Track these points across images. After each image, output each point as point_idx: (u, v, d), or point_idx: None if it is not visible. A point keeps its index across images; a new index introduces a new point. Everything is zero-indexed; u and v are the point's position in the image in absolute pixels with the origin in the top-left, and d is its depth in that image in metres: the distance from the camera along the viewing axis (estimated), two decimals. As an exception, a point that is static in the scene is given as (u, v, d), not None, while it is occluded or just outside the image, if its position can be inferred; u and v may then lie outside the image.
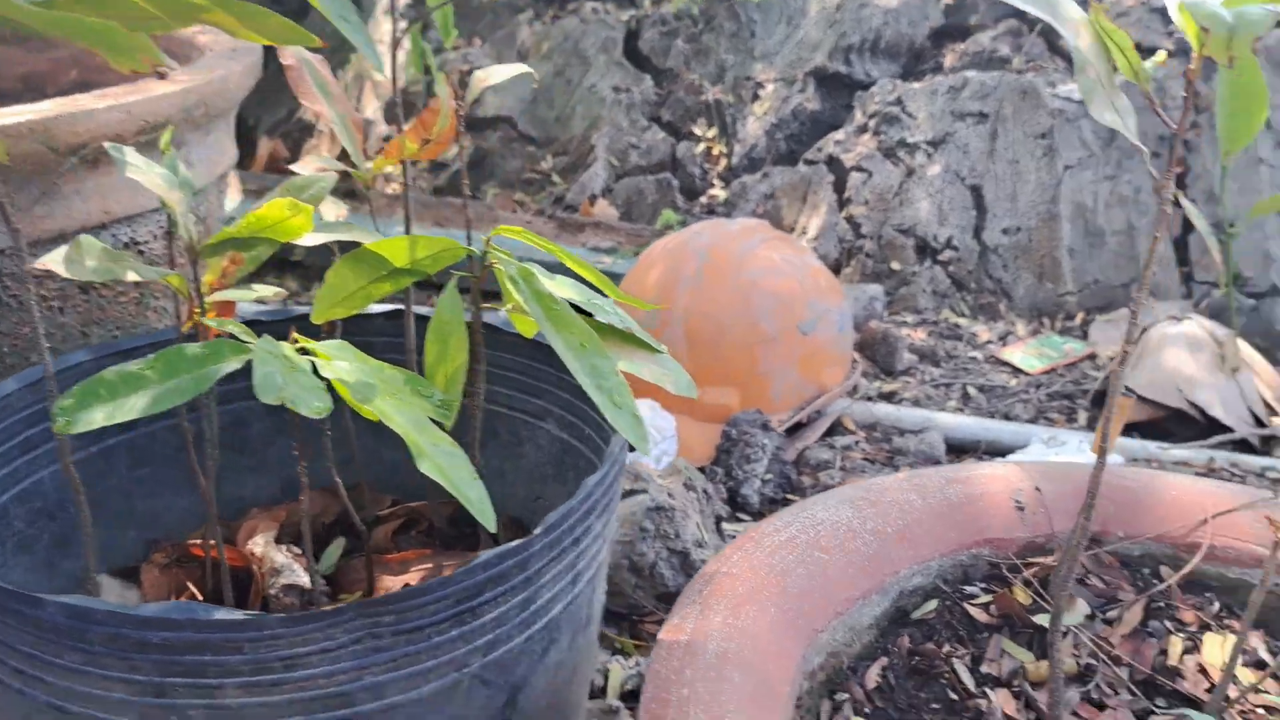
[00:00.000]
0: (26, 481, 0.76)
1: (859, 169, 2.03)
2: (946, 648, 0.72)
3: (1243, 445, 1.41)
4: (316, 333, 0.84)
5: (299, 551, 0.83)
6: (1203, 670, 0.72)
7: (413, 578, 0.80)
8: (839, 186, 2.05)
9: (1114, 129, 0.52)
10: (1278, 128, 1.88)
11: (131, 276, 0.63)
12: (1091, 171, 1.92)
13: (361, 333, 0.85)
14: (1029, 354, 1.73)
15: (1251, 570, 0.77)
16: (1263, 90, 1.36)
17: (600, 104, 2.34)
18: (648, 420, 1.34)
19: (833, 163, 2.08)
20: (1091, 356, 1.73)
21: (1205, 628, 0.75)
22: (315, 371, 0.54)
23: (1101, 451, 0.59)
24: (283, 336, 0.58)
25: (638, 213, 2.19)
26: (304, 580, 0.80)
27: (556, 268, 0.66)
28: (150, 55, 0.59)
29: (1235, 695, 0.68)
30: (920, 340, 1.74)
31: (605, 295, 0.67)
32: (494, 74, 0.68)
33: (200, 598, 0.81)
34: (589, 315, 0.65)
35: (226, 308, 0.73)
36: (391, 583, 0.80)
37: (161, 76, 0.93)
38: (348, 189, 2.18)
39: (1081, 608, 0.75)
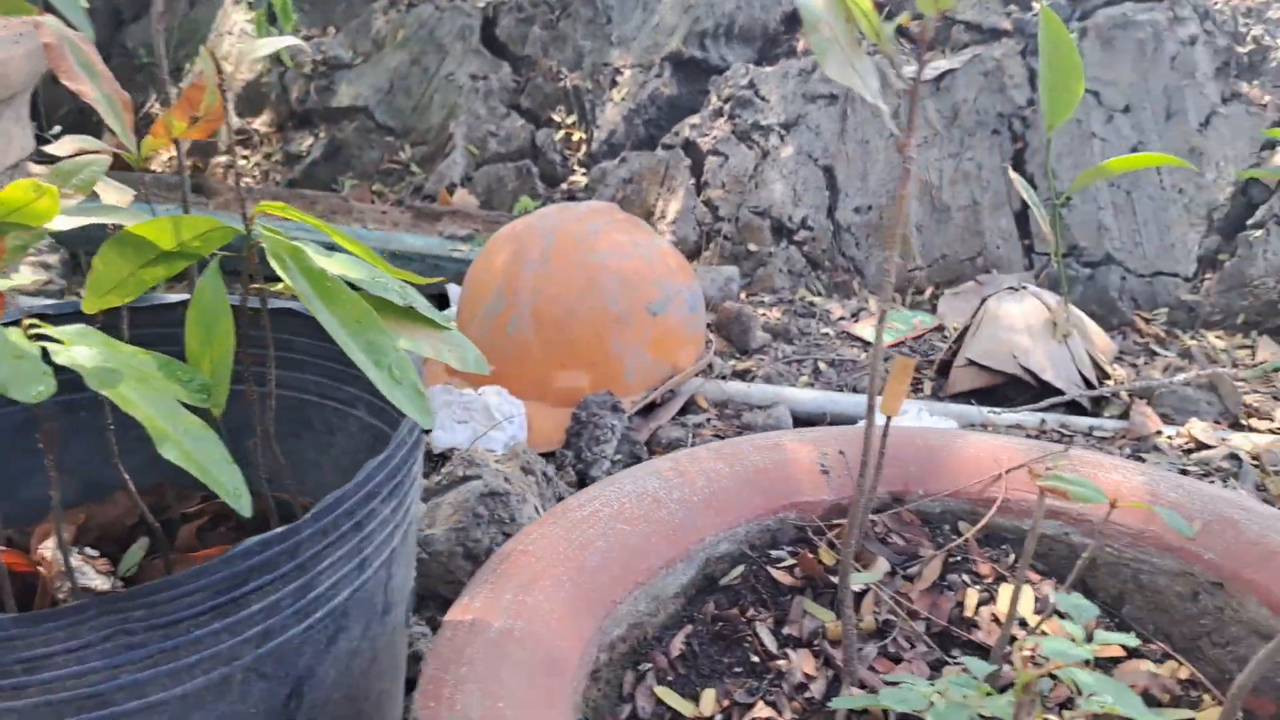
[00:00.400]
0: None
1: (715, 152, 2.05)
2: (750, 611, 0.72)
3: (1074, 407, 1.47)
4: (117, 327, 0.80)
5: (96, 555, 0.79)
6: (996, 620, 0.74)
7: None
8: (696, 170, 2.07)
9: (879, 101, 0.52)
10: (1108, 104, 1.96)
11: None
12: (936, 150, 1.97)
13: (166, 324, 0.82)
14: (879, 328, 1.77)
15: (1047, 523, 0.79)
16: (1077, 66, 1.42)
17: (458, 92, 2.30)
18: (494, 405, 1.33)
19: (689, 147, 2.09)
20: (939, 329, 1.78)
21: (1001, 579, 0.77)
22: (47, 357, 0.51)
23: (870, 410, 0.60)
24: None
25: (498, 200, 2.16)
26: (98, 583, 0.76)
27: (338, 248, 0.64)
28: None
29: (1020, 639, 0.70)
30: (775, 319, 1.76)
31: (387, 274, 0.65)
32: (260, 47, 0.65)
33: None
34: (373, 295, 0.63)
35: (-10, 300, 0.69)
36: (191, 581, 0.76)
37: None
38: (196, 183, 2.09)
39: (882, 565, 0.76)
